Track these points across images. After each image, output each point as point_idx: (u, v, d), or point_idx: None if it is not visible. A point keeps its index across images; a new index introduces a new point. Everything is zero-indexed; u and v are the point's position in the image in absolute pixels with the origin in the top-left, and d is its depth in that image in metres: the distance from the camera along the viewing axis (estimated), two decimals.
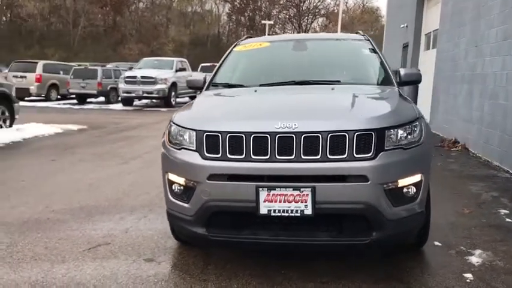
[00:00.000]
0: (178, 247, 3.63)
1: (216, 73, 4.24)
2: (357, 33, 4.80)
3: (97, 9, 56.64)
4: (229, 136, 2.85)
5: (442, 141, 8.94)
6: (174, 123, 3.19)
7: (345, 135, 2.75)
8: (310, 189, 2.72)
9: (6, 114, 9.84)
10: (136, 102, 19.79)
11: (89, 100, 20.49)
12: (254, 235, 2.89)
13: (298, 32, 64.01)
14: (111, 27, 59.87)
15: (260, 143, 2.80)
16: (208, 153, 2.89)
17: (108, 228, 4.07)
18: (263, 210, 2.78)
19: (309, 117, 2.92)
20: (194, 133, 2.97)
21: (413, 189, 2.93)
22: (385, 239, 2.86)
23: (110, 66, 23.79)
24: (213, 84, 4.10)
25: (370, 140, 2.77)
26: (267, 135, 2.79)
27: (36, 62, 20.32)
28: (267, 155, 2.78)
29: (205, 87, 4.08)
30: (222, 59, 4.42)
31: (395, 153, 2.82)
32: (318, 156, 2.74)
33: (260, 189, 2.76)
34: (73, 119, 13.04)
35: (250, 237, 2.89)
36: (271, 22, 55.21)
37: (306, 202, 2.74)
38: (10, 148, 8.37)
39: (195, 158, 2.92)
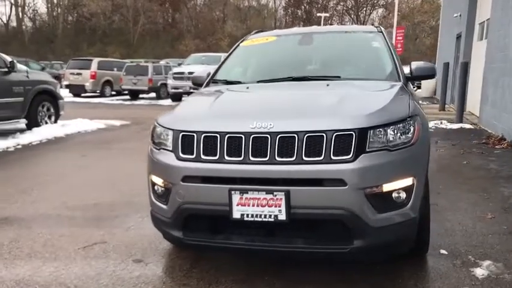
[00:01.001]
0: (171, 248, 3.56)
1: (218, 69, 4.13)
2: (372, 24, 4.53)
3: (156, 6, 58.06)
4: (204, 136, 2.74)
5: (488, 138, 8.35)
6: (157, 122, 3.12)
7: (323, 136, 2.57)
8: (283, 193, 2.56)
9: (52, 110, 10.24)
10: (184, 97, 20.07)
11: (141, 96, 21.04)
12: (229, 240, 2.77)
13: (357, 25, 62.67)
14: (170, 24, 61.27)
15: (234, 144, 2.67)
16: (183, 154, 2.79)
17: (111, 226, 4.08)
18: (236, 214, 2.65)
19: (286, 116, 2.75)
20: (172, 133, 2.88)
21: (403, 194, 2.69)
22: (370, 247, 2.64)
23: (162, 62, 24.30)
24: (214, 81, 3.99)
25: (350, 141, 2.56)
26: (242, 136, 2.66)
27: (91, 60, 21.11)
28: (240, 156, 2.65)
29: (204, 84, 3.98)
30: (227, 54, 4.31)
31: (379, 155, 2.59)
32: (293, 158, 2.58)
33: (233, 192, 2.63)
34: (120, 115, 13.39)
35: (225, 242, 2.78)
36: (327, 14, 54.29)
37: (279, 207, 2.58)
38: (50, 143, 8.68)
39: (170, 159, 2.84)
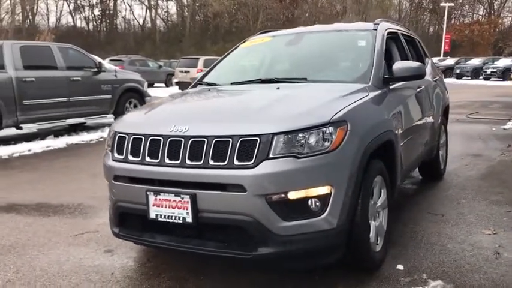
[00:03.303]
0: None
1: (209, 70, 4.24)
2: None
3: (276, 3, 59.07)
4: (133, 138, 2.89)
5: None
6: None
7: (229, 141, 2.57)
8: (189, 196, 2.62)
9: (138, 106, 11.13)
10: None
11: None
12: (153, 238, 2.89)
13: (489, 14, 57.67)
14: (289, 20, 61.89)
15: (155, 146, 2.78)
16: (117, 154, 2.98)
17: None
18: (152, 214, 2.77)
19: (201, 120, 2.81)
20: (112, 134, 3.08)
21: (316, 203, 2.58)
22: (277, 256, 2.58)
23: None
24: (200, 83, 4.10)
25: (254, 147, 2.53)
26: (161, 138, 2.76)
27: (198, 58, 22.28)
28: (158, 158, 2.75)
29: (190, 86, 4.12)
30: (224, 55, 4.40)
31: (284, 161, 2.52)
32: (201, 162, 2.62)
33: (148, 193, 2.75)
34: None
35: (149, 240, 2.91)
36: (452, 4, 50.47)
37: (187, 209, 2.65)
38: None
39: (108, 159, 3.05)
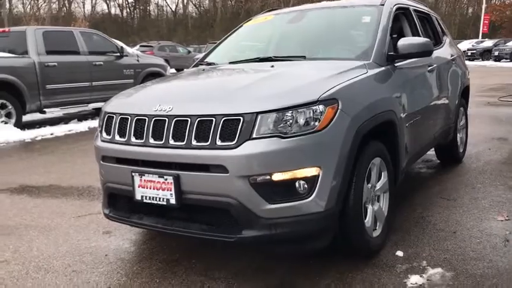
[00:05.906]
0: None
1: (211, 50, 4.14)
2: None
3: None
4: (120, 118, 2.83)
5: None
6: None
7: (212, 120, 2.47)
8: (172, 177, 2.54)
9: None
10: None
11: None
12: (140, 220, 2.83)
13: None
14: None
15: (140, 126, 2.71)
16: (105, 134, 2.93)
17: None
18: (138, 195, 2.71)
19: (186, 100, 2.72)
20: (103, 114, 3.03)
21: (304, 185, 2.46)
22: (262, 239, 2.49)
23: None
24: (201, 63, 4.00)
25: (236, 126, 2.42)
26: (146, 118, 2.69)
27: None
28: (143, 138, 2.68)
29: (191, 66, 4.03)
30: (227, 35, 4.29)
31: (268, 142, 2.40)
32: (184, 142, 2.53)
33: (133, 174, 2.69)
34: None
35: (137, 221, 2.85)
36: None
37: (170, 190, 2.57)
38: None
39: (97, 140, 3.00)
